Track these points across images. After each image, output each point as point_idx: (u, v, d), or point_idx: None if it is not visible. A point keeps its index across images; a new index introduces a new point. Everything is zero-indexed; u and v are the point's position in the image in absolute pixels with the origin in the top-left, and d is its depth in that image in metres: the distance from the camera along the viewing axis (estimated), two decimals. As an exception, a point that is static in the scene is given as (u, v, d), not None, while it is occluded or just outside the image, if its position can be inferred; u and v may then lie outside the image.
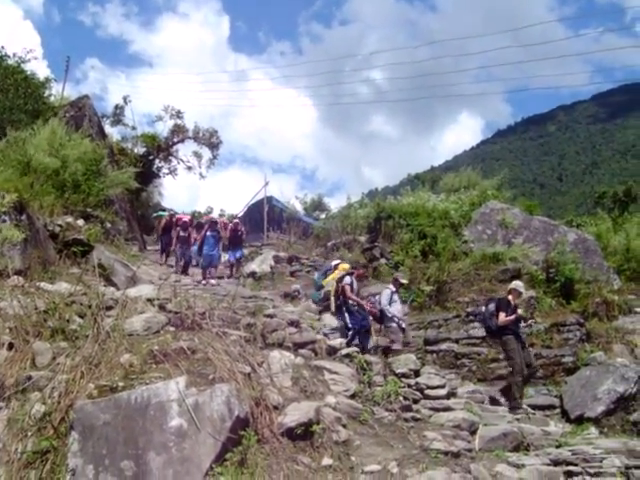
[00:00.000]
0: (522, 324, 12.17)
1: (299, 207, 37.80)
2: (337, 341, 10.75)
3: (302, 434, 6.88)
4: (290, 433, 6.87)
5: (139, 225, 28.44)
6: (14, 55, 23.02)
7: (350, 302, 12.84)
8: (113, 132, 35.33)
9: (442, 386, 10.06)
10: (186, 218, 21.09)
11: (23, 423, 6.19)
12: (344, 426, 7.69)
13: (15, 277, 9.80)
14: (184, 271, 19.23)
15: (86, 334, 7.74)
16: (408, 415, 8.87)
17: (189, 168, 38.47)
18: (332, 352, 10.17)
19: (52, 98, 26.38)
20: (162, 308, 9.34)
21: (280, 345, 9.60)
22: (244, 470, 6.10)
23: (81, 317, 8.45)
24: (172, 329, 8.51)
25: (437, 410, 9.41)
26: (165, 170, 37.75)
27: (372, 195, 32.86)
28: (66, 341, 7.73)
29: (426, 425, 8.81)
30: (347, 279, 13.18)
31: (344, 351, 10.14)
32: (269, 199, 34.01)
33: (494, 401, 11.59)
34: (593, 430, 10.71)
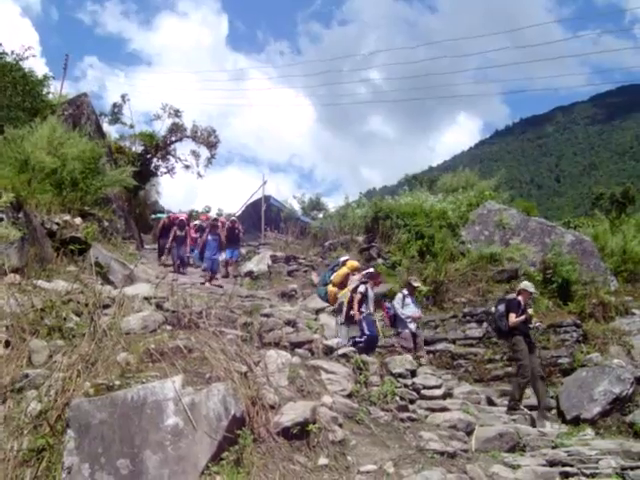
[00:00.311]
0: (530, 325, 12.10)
1: (297, 207, 37.80)
2: (334, 341, 10.75)
3: (298, 433, 6.88)
4: (286, 432, 6.87)
5: (136, 224, 28.42)
6: (12, 52, 22.96)
7: (357, 312, 12.48)
8: (111, 130, 35.34)
9: (438, 386, 10.07)
10: (183, 217, 21.01)
11: (19, 421, 6.18)
12: (340, 426, 7.70)
13: (12, 275, 9.80)
14: (180, 270, 19.17)
15: (83, 332, 7.74)
16: (404, 415, 8.88)
17: (187, 167, 38.37)
18: (329, 352, 10.18)
19: (50, 96, 26.34)
20: (159, 307, 9.34)
21: (277, 344, 9.61)
22: (240, 469, 6.11)
23: (78, 315, 8.44)
24: (169, 328, 8.51)
25: (433, 410, 9.42)
26: (163, 169, 37.64)
27: (370, 195, 32.91)
28: (63, 339, 7.73)
29: (422, 425, 8.82)
30: (361, 288, 12.79)
31: (340, 351, 10.14)
32: (267, 198, 34.02)
33: (491, 402, 11.60)
34: (589, 431, 10.72)
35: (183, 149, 37.96)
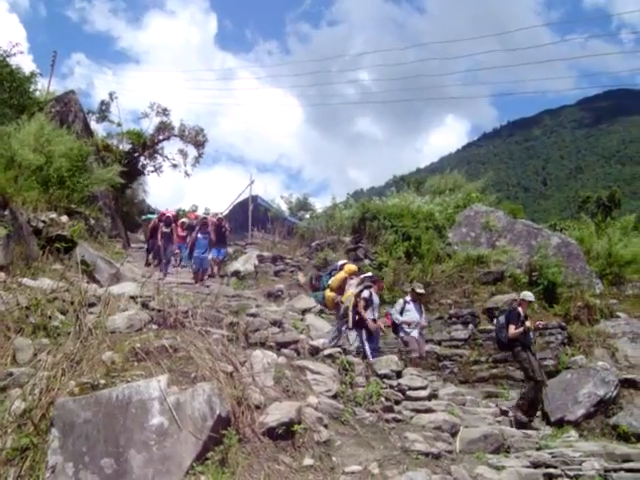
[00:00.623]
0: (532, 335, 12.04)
1: (284, 207, 37.82)
2: (320, 341, 10.75)
3: (283, 434, 6.88)
4: (271, 433, 6.87)
5: (123, 222, 28.35)
6: (-1, 48, 22.88)
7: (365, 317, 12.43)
8: (98, 128, 35.22)
9: (424, 387, 10.08)
10: (170, 213, 20.69)
11: (3, 420, 6.14)
12: (325, 426, 7.70)
13: (-3, 272, 9.77)
14: (164, 269, 18.96)
15: (68, 331, 7.71)
16: (389, 416, 8.89)
17: (174, 166, 38.30)
18: (315, 352, 10.18)
19: (37, 93, 26.27)
20: (145, 306, 9.31)
21: (263, 344, 9.61)
22: (225, 469, 6.09)
23: (63, 314, 8.42)
24: (155, 327, 8.49)
25: (418, 411, 9.41)
26: (150, 167, 37.56)
27: (357, 196, 32.96)
28: (48, 338, 7.71)
29: (407, 426, 8.82)
30: (365, 293, 12.68)
31: (326, 351, 10.14)
32: (254, 198, 33.91)
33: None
34: (573, 433, 10.78)
35: (171, 148, 37.86)
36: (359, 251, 18.86)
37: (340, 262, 14.40)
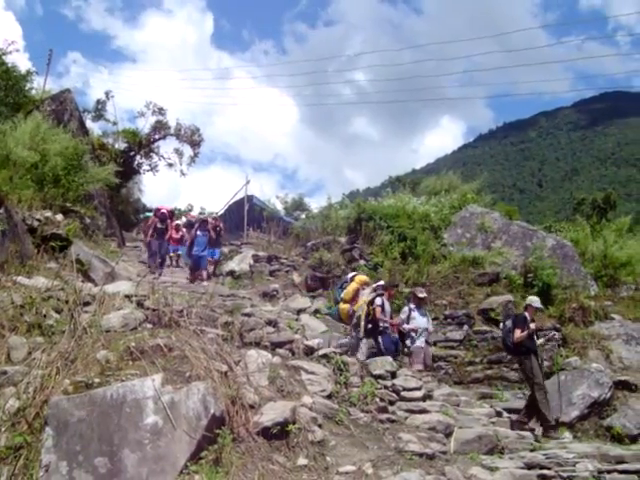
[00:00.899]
0: (541, 341, 11.94)
1: (279, 207, 37.84)
2: (315, 341, 10.74)
3: (278, 433, 6.87)
4: (266, 432, 6.86)
5: (118, 221, 28.30)
6: (-5, 46, 22.85)
7: (381, 324, 12.39)
8: (94, 127, 35.18)
9: (418, 388, 10.08)
10: (165, 209, 20.33)
11: (-3, 418, 6.15)
12: (320, 426, 7.70)
13: (-8, 271, 9.74)
14: (160, 268, 18.70)
15: (63, 329, 7.71)
16: (384, 416, 8.89)
17: (170, 165, 38.37)
18: (309, 352, 10.17)
19: (33, 91, 26.23)
20: (140, 305, 9.31)
21: (257, 344, 9.60)
22: (219, 469, 6.09)
23: (58, 312, 8.42)
24: (149, 326, 8.49)
25: (413, 412, 9.41)
26: (146, 166, 37.60)
27: (353, 196, 32.85)
28: (42, 336, 7.70)
29: (401, 427, 8.82)
30: (378, 301, 12.62)
31: (321, 351, 10.14)
32: (250, 198, 33.95)
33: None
34: (567, 434, 10.81)
35: (166, 147, 37.92)
36: (354, 251, 18.84)
37: (351, 274, 14.21)
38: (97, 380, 6.47)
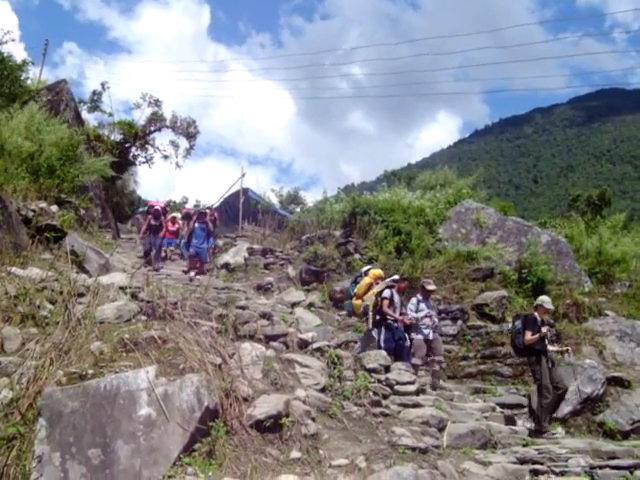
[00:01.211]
0: (555, 348, 11.83)
1: (275, 200, 37.77)
2: (308, 335, 10.74)
3: (271, 426, 6.88)
4: (259, 425, 6.87)
5: (113, 213, 28.25)
6: (-9, 36, 22.74)
7: (389, 318, 12.26)
8: (90, 118, 35.05)
9: (412, 382, 10.09)
10: (158, 206, 20.30)
11: (-10, 408, 6.14)
12: (313, 420, 7.71)
13: (-14, 261, 9.72)
14: (154, 263, 18.39)
15: (57, 321, 7.70)
16: (377, 410, 8.90)
17: (165, 157, 38.23)
18: (303, 345, 10.18)
19: (29, 81, 26.08)
20: (134, 297, 9.31)
21: (251, 337, 9.61)
22: (212, 461, 6.11)
23: (52, 303, 8.41)
24: (144, 318, 8.49)
25: (406, 406, 9.43)
26: (141, 158, 37.44)
27: (348, 190, 32.85)
28: (36, 327, 7.69)
29: (395, 421, 8.84)
30: (386, 292, 12.50)
31: (315, 345, 10.14)
32: (245, 191, 33.81)
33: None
34: (560, 430, 10.84)
35: (162, 139, 38.00)
36: (349, 245, 18.84)
37: (364, 268, 14.00)
38: (91, 371, 6.47)
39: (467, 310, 15.39)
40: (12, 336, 7.33)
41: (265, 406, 7.13)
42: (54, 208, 15.01)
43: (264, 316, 11.02)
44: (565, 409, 11.51)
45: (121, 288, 9.50)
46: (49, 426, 5.82)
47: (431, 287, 13.10)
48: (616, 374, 12.70)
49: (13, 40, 24.05)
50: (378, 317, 12.38)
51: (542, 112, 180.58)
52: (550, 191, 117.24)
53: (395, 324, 12.24)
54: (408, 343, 12.36)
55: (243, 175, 33.97)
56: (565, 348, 11.90)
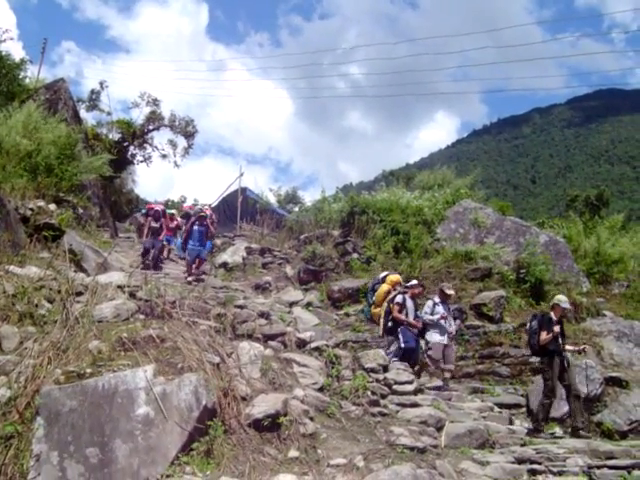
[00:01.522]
0: (572, 348, 11.59)
1: (273, 199, 37.76)
2: (307, 334, 10.74)
3: (269, 426, 6.88)
4: (257, 424, 6.87)
5: (111, 212, 28.23)
6: (-11, 34, 22.75)
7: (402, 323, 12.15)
8: (88, 117, 35.05)
9: (410, 382, 10.09)
10: (158, 207, 20.05)
11: (-12, 407, 6.13)
12: (311, 419, 7.71)
13: (-16, 260, 9.71)
14: (155, 265, 18.05)
15: (55, 319, 7.70)
16: (375, 410, 8.90)
17: (164, 156, 38.26)
18: (302, 345, 10.19)
19: (27, 80, 26.13)
20: (132, 296, 9.32)
21: (250, 336, 9.62)
22: (210, 460, 6.11)
23: (50, 302, 8.41)
24: (142, 317, 8.49)
25: (404, 406, 9.43)
26: (139, 157, 37.46)
27: (346, 190, 32.85)
28: (34, 326, 7.69)
29: (393, 420, 8.84)
30: (398, 298, 12.43)
31: (313, 344, 10.15)
32: (243, 190, 33.80)
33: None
34: (558, 429, 10.83)
35: (160, 138, 37.91)
36: (348, 245, 18.83)
37: (382, 274, 13.86)
38: (89, 370, 6.47)
39: (465, 310, 15.38)
40: (10, 335, 7.32)
41: (263, 405, 7.13)
42: (52, 207, 15.00)
43: (262, 315, 11.03)
44: (563, 409, 11.49)
45: (119, 287, 9.51)
46: (47, 425, 5.82)
47: (450, 291, 13.13)
48: (614, 374, 12.71)
49: (11, 39, 24.16)
50: (390, 324, 12.32)
51: (540, 112, 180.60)
52: (548, 191, 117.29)
53: (408, 330, 12.14)
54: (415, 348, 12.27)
55: (241, 174, 34.02)
56: (582, 347, 11.73)
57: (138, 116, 37.05)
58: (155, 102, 36.98)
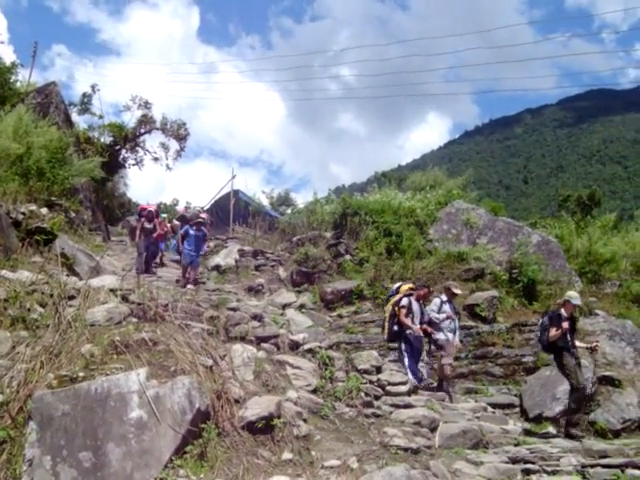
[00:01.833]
0: (583, 345, 11.37)
1: (265, 202, 37.77)
2: (300, 336, 10.73)
3: (263, 428, 6.88)
4: (251, 427, 6.87)
5: (104, 215, 28.24)
6: (-20, 39, 22.71)
7: (406, 330, 11.95)
8: (80, 121, 34.98)
9: (403, 383, 10.11)
10: (152, 208, 19.63)
11: (-20, 412, 6.11)
12: (305, 421, 7.71)
13: (-25, 264, 9.68)
14: (147, 269, 17.89)
15: (47, 323, 7.68)
16: (369, 411, 8.90)
17: (156, 159, 38.23)
18: (295, 347, 10.19)
19: (18, 84, 26.07)
20: (125, 299, 9.29)
21: (243, 339, 9.61)
22: (204, 463, 6.10)
23: (42, 306, 8.37)
24: (134, 320, 8.46)
25: (398, 407, 9.43)
26: (131, 161, 37.46)
27: (339, 192, 32.93)
28: (26, 330, 7.66)
29: (387, 421, 8.84)
30: (404, 301, 12.18)
31: (306, 346, 10.15)
32: (235, 192, 33.79)
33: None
34: (551, 429, 10.84)
35: (152, 141, 38.05)
36: (340, 246, 18.85)
37: (396, 285, 13.33)
38: (82, 374, 6.45)
39: (458, 310, 15.38)
40: (2, 339, 7.29)
41: (257, 408, 7.13)
42: (44, 211, 14.97)
43: (255, 318, 11.04)
44: (556, 408, 11.52)
45: (112, 290, 9.48)
46: (40, 429, 5.80)
47: (457, 291, 13.12)
48: (607, 373, 12.74)
49: (2, 42, 24.24)
50: (396, 328, 12.17)
51: (532, 113, 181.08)
52: (540, 191, 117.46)
53: (412, 334, 11.99)
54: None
55: (233, 177, 33.99)
56: (594, 344, 11.65)
57: (130, 119, 37.14)
58: (147, 105, 37.00)
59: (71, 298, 8.76)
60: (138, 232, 18.36)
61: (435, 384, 12.15)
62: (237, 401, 7.30)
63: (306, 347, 10.12)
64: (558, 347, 10.69)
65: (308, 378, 9.05)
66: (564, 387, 11.73)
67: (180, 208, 31.74)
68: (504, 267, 17.69)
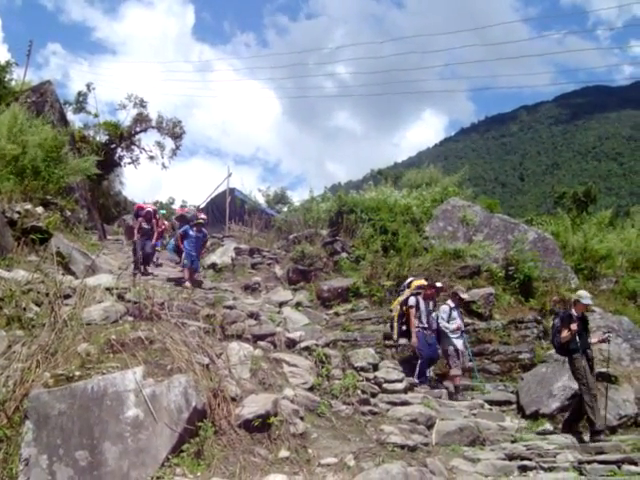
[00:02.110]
0: (595, 340, 11.11)
1: (261, 200, 37.70)
2: (296, 334, 10.73)
3: (259, 426, 6.88)
4: (247, 425, 6.87)
5: (99, 214, 28.14)
6: (-26, 38, 22.67)
7: (413, 330, 11.96)
8: (75, 119, 34.87)
9: (400, 380, 10.12)
10: (150, 207, 19.46)
11: (-24, 411, 6.10)
12: (302, 419, 7.71)
13: (-29, 264, 9.67)
14: (144, 267, 17.75)
15: (43, 322, 7.67)
16: (366, 409, 8.92)
17: (151, 158, 38.11)
18: (291, 345, 10.18)
19: (13, 83, 25.99)
20: (121, 298, 9.28)
21: (239, 337, 9.61)
22: (200, 461, 6.10)
23: (38, 305, 8.37)
24: (130, 319, 8.46)
25: (395, 404, 9.45)
26: (127, 159, 37.33)
27: (335, 189, 32.80)
28: (22, 329, 7.65)
29: (383, 419, 8.86)
30: (412, 300, 12.18)
31: (303, 344, 10.15)
32: (231, 191, 33.74)
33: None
34: (548, 426, 10.85)
35: (148, 140, 37.81)
36: (336, 244, 18.82)
37: (407, 281, 13.41)
38: (78, 373, 6.44)
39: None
40: (-2, 338, 7.29)
41: (253, 406, 7.13)
42: (39, 210, 14.93)
43: (252, 316, 11.03)
44: (553, 405, 11.52)
45: (108, 289, 9.47)
46: (36, 428, 5.79)
47: (465, 296, 13.14)
48: (603, 370, 12.73)
49: (-3, 41, 23.95)
50: (405, 327, 12.21)
51: (528, 110, 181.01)
52: (536, 188, 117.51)
53: (423, 332, 12.04)
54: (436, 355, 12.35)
55: (229, 175, 33.94)
56: (605, 336, 11.48)
57: (125, 118, 36.96)
58: (142, 104, 36.91)
59: (67, 297, 8.76)
60: (136, 233, 18.22)
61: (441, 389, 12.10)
62: (234, 399, 7.30)
63: (303, 345, 10.12)
64: (569, 349, 10.48)
65: (305, 376, 9.05)
66: (560, 384, 11.76)
67: (176, 207, 31.70)
68: (500, 264, 17.67)
